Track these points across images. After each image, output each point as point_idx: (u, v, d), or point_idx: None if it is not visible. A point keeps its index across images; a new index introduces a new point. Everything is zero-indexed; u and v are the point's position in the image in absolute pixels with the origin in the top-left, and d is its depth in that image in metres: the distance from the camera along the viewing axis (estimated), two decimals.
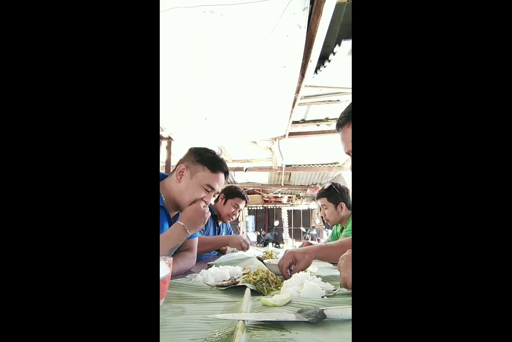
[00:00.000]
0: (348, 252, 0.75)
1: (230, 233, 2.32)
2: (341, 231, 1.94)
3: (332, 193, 1.86)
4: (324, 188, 1.92)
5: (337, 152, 4.03)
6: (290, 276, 0.84)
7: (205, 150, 1.13)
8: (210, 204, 2.08)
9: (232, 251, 1.94)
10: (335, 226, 2.05)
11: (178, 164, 1.12)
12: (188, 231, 0.97)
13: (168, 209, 1.10)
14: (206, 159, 1.09)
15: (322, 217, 1.98)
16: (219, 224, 2.18)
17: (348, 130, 0.78)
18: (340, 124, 0.81)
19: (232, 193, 2.08)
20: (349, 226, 1.78)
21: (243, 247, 1.62)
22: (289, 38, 1.37)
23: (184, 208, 1.06)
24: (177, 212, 1.16)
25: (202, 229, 1.91)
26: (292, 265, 0.95)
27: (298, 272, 0.87)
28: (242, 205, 2.09)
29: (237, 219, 8.10)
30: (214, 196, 1.14)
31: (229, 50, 1.48)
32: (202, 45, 1.43)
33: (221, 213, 2.09)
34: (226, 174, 1.13)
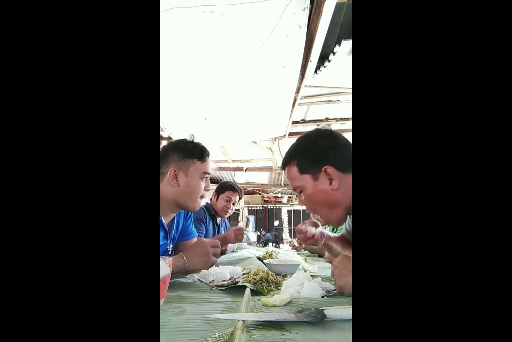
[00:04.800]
0: (340, 258, 0.73)
1: None
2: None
3: None
4: None
5: None
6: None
7: (184, 143, 1.12)
8: (208, 202, 2.09)
9: (232, 251, 1.94)
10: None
11: (163, 168, 1.08)
12: (186, 262, 0.90)
13: (162, 213, 1.08)
14: (191, 152, 1.09)
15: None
16: (218, 222, 2.20)
17: (292, 169, 0.85)
18: (284, 164, 0.88)
19: (222, 188, 2.13)
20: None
21: (239, 238, 1.58)
22: (289, 38, 1.37)
23: (194, 204, 1.08)
24: (176, 212, 1.15)
25: (201, 230, 1.92)
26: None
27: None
28: (234, 197, 2.10)
29: (237, 218, 8.11)
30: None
31: (229, 50, 1.48)
32: (202, 45, 1.43)
33: (216, 209, 2.12)
34: (209, 154, 1.15)
